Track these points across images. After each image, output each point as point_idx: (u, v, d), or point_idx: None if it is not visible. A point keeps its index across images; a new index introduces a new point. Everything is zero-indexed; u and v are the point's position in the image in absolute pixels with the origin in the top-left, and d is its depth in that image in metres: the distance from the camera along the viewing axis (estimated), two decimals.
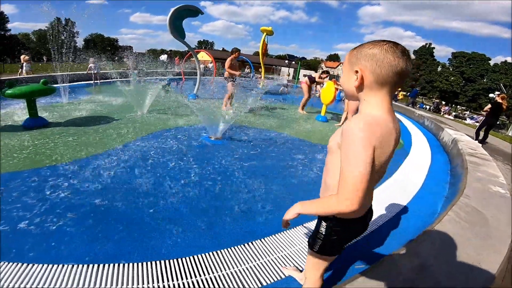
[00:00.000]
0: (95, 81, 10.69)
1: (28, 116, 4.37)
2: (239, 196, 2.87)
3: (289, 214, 1.11)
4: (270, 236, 2.23)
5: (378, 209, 2.87)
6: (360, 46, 0.99)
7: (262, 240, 2.18)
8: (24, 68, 10.53)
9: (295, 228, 2.38)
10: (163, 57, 18.99)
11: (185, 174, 3.24)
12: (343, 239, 1.23)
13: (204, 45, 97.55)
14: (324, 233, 1.20)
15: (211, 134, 4.80)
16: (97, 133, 4.41)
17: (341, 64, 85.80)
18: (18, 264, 1.72)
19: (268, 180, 3.34)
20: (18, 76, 10.29)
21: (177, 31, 7.29)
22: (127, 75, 11.09)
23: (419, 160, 5.06)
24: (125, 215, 2.34)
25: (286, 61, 34.98)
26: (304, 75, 29.37)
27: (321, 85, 8.15)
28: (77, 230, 2.10)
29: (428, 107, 19.03)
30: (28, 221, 2.13)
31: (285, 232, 2.29)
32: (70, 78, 9.50)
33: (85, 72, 10.77)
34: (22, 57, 10.97)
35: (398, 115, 11.16)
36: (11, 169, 2.95)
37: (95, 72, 10.61)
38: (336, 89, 7.27)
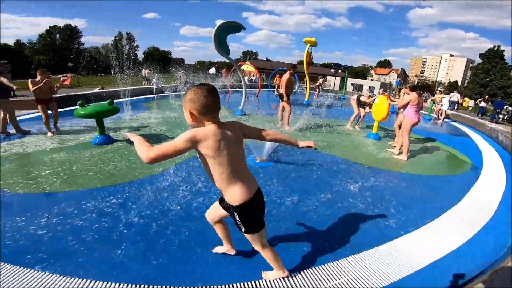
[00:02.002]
0: (157, 95, 11.75)
1: (97, 134, 4.92)
2: (283, 224, 2.79)
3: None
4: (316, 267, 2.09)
5: (440, 238, 2.51)
6: (185, 94, 1.48)
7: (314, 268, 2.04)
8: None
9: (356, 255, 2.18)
10: (212, 70, 19.94)
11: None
12: (254, 216, 1.68)
13: (249, 55, 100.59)
14: (239, 219, 1.65)
15: (256, 156, 4.79)
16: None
17: (393, 71, 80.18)
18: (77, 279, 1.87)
19: (315, 207, 3.20)
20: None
21: (222, 47, 7.48)
22: (180, 89, 11.91)
23: (491, 183, 4.43)
24: (176, 237, 2.43)
25: (332, 70, 33.90)
26: (352, 84, 28.08)
27: (370, 105, 7.53)
28: (132, 248, 2.27)
29: (502, 116, 16.18)
30: (90, 236, 2.35)
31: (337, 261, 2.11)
32: (132, 92, 10.55)
33: (144, 86, 11.87)
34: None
35: (464, 128, 10.04)
36: (81, 187, 3.33)
37: (156, 87, 11.64)
38: (390, 104, 6.65)
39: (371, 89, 28.87)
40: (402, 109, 5.71)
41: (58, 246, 2.30)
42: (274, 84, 17.20)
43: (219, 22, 7.21)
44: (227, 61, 8.47)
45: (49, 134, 5.44)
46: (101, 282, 1.94)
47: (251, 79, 21.47)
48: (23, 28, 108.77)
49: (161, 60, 70.70)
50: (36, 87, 5.24)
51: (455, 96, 15.16)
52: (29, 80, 5.24)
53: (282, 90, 6.49)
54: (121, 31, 61.09)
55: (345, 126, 7.94)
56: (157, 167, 4.08)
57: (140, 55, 71.41)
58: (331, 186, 3.88)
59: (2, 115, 5.28)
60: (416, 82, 62.77)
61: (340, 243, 2.59)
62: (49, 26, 55.01)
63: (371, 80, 58.57)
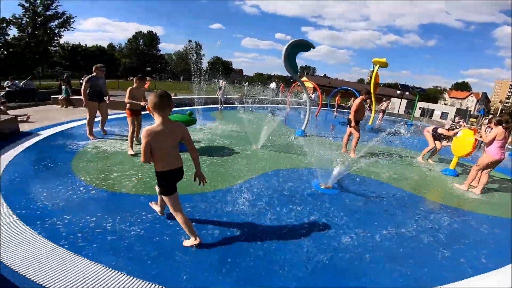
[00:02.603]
0: (221, 105, 12.52)
1: None
2: (341, 257, 2.68)
3: None
4: None
5: None
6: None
7: None
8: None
9: None
10: (272, 85, 20.37)
11: (297, 224, 3.26)
12: (168, 183, 2.42)
13: (306, 70, 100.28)
14: (158, 182, 2.44)
15: (321, 182, 4.68)
16: (216, 166, 5.02)
17: (472, 95, 69.41)
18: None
19: (380, 241, 3.05)
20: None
21: (291, 66, 7.55)
22: (243, 102, 12.46)
23: None
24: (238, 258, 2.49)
25: (398, 92, 31.36)
26: (421, 108, 25.30)
27: (448, 138, 6.71)
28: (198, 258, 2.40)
29: None
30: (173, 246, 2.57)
31: None
32: (202, 101, 11.42)
33: (215, 96, 12.64)
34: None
35: None
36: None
37: (222, 98, 12.42)
38: (476, 140, 5.76)
39: (444, 115, 25.69)
40: (487, 146, 5.03)
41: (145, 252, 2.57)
42: (334, 104, 16.68)
43: (284, 38, 7.39)
44: (285, 75, 8.57)
45: (130, 152, 5.10)
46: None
47: (310, 97, 21.30)
48: (115, 32, 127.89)
49: (222, 70, 75.39)
50: (132, 102, 5.02)
51: None
52: (129, 89, 5.06)
53: (351, 115, 6.24)
54: (191, 40, 66.88)
55: (416, 157, 7.24)
56: (224, 183, 4.31)
57: (205, 63, 77.41)
58: (397, 221, 3.65)
59: (101, 117, 6.04)
60: (500, 109, 53.97)
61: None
62: (135, 32, 63.46)
63: (444, 104, 52.39)
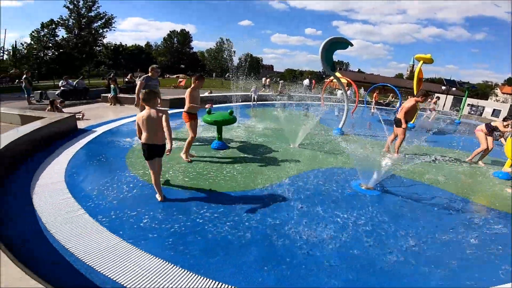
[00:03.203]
0: (253, 103, 12.60)
1: (216, 140, 5.65)
2: (382, 261, 2.58)
3: None
4: None
5: None
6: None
7: None
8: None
9: None
10: (306, 81, 20.03)
11: (339, 225, 3.25)
12: (146, 152, 3.28)
13: (339, 65, 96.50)
14: (142, 150, 3.32)
15: (362, 183, 4.56)
16: (256, 164, 5.11)
17: None
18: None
19: (428, 247, 2.92)
20: None
21: (328, 63, 7.39)
22: (275, 99, 12.42)
23: None
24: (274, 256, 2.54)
25: (443, 87, 28.89)
26: (469, 105, 23.17)
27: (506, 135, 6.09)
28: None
29: None
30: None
31: None
32: (239, 99, 11.57)
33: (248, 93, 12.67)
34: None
35: None
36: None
37: (254, 95, 12.50)
38: None
39: (495, 112, 23.22)
40: None
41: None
42: (370, 101, 15.94)
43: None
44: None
45: (185, 159, 4.89)
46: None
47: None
48: (151, 31, 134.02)
49: (253, 67, 75.69)
50: (196, 106, 4.65)
51: None
52: (189, 92, 4.62)
53: (400, 115, 5.88)
54: (222, 37, 67.82)
55: (464, 159, 6.67)
56: (266, 182, 4.41)
57: (236, 60, 77.95)
58: (443, 225, 3.49)
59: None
60: None
61: None
62: (169, 31, 66.04)
63: (496, 100, 47.24)
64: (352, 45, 7.56)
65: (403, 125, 5.83)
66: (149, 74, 5.67)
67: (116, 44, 51.26)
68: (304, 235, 2.99)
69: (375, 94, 15.75)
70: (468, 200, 4.45)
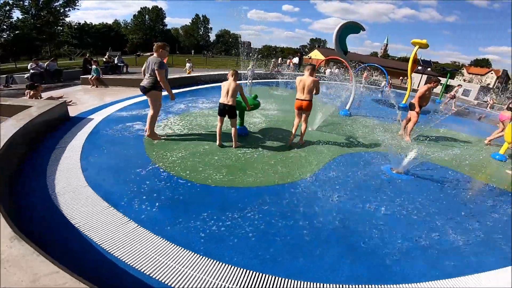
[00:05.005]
0: (249, 81, 11.98)
1: (239, 126, 5.21)
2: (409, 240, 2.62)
3: None
4: None
5: None
6: None
7: None
8: (187, 67, 12.69)
9: None
10: (295, 60, 19.45)
11: (377, 212, 3.21)
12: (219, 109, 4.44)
13: (317, 43, 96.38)
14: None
15: (393, 167, 4.51)
16: (284, 150, 4.86)
17: (492, 72, 66.82)
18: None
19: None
20: (187, 75, 12.49)
21: (342, 48, 7.21)
22: (271, 76, 11.84)
23: None
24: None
25: (419, 67, 29.87)
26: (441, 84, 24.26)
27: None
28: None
29: None
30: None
31: None
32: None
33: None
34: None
35: None
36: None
37: (250, 73, 11.84)
38: None
39: (466, 92, 24.63)
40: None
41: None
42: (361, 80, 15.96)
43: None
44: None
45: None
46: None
47: (331, 71, 20.46)
48: (118, 9, 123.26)
49: (230, 43, 72.94)
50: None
51: None
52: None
53: (415, 100, 5.96)
54: (198, 13, 64.40)
55: (471, 141, 6.91)
56: (298, 171, 4.17)
57: (213, 37, 74.68)
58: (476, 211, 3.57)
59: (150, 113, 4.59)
60: None
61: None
62: (140, 8, 61.27)
63: (464, 80, 50.23)
64: (364, 29, 7.35)
65: (417, 109, 5.94)
66: (155, 54, 4.41)
67: (80, 23, 46.78)
68: (343, 222, 2.97)
69: (365, 75, 15.81)
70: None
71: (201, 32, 70.33)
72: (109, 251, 2.20)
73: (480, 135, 7.71)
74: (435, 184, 4.21)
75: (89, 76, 9.72)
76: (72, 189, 3.02)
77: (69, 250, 2.20)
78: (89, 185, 3.11)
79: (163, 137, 4.83)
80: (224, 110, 4.36)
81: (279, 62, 17.91)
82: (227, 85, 4.31)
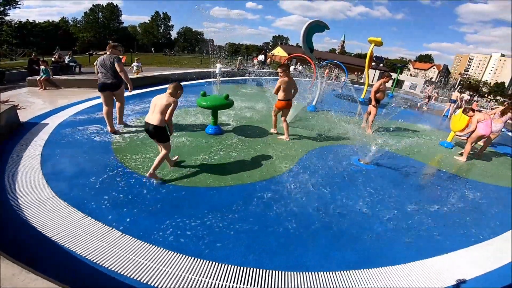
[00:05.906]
0: (217, 79, 11.75)
1: (211, 124, 5.17)
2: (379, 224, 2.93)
3: None
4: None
5: None
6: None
7: None
8: (135, 68, 11.80)
9: None
10: (261, 57, 19.62)
11: (355, 201, 3.45)
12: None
13: (279, 40, 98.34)
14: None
15: (360, 158, 4.86)
16: (259, 145, 4.97)
17: (434, 66, 74.98)
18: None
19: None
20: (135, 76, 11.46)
21: (308, 46, 7.50)
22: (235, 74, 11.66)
23: None
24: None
25: (373, 63, 32.10)
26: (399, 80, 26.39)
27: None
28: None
29: None
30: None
31: None
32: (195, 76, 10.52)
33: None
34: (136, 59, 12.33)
35: None
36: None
37: (218, 71, 11.63)
38: (470, 118, 5.89)
39: (412, 86, 27.15)
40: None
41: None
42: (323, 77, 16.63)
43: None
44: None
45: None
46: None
47: (295, 68, 21.04)
48: (67, 6, 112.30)
49: (193, 41, 70.90)
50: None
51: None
52: None
53: (371, 95, 6.46)
54: (157, 10, 61.42)
55: (422, 130, 7.67)
56: (276, 169, 4.29)
57: (174, 35, 71.89)
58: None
59: (118, 105, 5.15)
60: (459, 80, 58.43)
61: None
62: (92, 5, 56.61)
63: (410, 75, 55.33)
64: (328, 28, 7.75)
65: (373, 102, 6.49)
66: (107, 52, 4.75)
67: (21, 22, 41.90)
68: (326, 211, 3.15)
69: (326, 71, 16.57)
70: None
71: (161, 30, 67.20)
72: (95, 262, 2.08)
73: (431, 126, 8.60)
74: (397, 172, 4.65)
75: (37, 78, 8.80)
76: (39, 201, 2.75)
77: (53, 265, 2.02)
78: (58, 195, 2.86)
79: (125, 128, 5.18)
80: (148, 132, 3.21)
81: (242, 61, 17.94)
82: (157, 100, 3.16)
